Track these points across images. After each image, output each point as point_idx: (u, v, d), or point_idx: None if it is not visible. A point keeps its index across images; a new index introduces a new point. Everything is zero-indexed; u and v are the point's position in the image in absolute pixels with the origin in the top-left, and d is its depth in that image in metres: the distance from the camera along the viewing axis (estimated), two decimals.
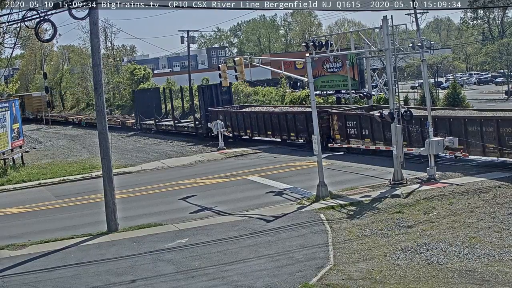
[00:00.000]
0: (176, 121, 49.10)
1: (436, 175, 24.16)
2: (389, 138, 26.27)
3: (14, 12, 25.00)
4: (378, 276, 14.39)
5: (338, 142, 32.82)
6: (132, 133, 53.61)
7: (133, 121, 55.59)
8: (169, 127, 49.10)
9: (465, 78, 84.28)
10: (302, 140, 35.69)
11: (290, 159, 32.57)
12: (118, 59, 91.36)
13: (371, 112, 31.54)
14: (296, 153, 34.16)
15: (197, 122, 45.14)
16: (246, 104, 48.89)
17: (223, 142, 38.60)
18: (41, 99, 78.91)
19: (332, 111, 34.06)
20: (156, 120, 51.32)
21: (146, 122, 52.67)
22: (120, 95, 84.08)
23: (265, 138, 39.25)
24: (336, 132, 33.03)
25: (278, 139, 37.97)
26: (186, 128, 47.22)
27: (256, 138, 39.58)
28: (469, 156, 26.36)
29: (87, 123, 64.95)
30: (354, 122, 31.75)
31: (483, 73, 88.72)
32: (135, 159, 37.99)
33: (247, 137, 40.20)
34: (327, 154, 31.39)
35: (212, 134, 40.09)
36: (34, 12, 19.41)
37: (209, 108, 43.27)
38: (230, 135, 40.79)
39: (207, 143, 41.41)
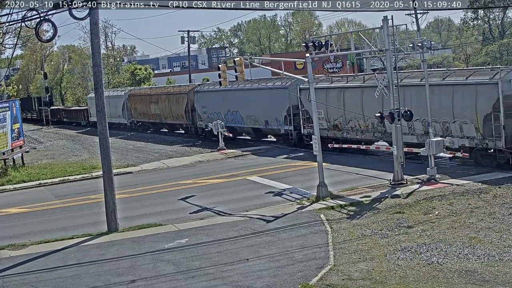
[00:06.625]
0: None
1: (436, 175, 24.13)
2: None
3: (14, 12, 24.99)
4: (378, 276, 14.38)
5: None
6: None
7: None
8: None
9: None
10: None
11: None
12: (118, 59, 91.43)
13: None
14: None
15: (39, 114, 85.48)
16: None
17: (223, 142, 38.66)
18: None
19: None
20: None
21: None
22: None
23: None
24: None
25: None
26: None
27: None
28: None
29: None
30: None
31: None
32: (135, 159, 38.00)
33: (57, 120, 78.03)
34: None
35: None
36: (34, 12, 19.42)
37: (39, 107, 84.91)
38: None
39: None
